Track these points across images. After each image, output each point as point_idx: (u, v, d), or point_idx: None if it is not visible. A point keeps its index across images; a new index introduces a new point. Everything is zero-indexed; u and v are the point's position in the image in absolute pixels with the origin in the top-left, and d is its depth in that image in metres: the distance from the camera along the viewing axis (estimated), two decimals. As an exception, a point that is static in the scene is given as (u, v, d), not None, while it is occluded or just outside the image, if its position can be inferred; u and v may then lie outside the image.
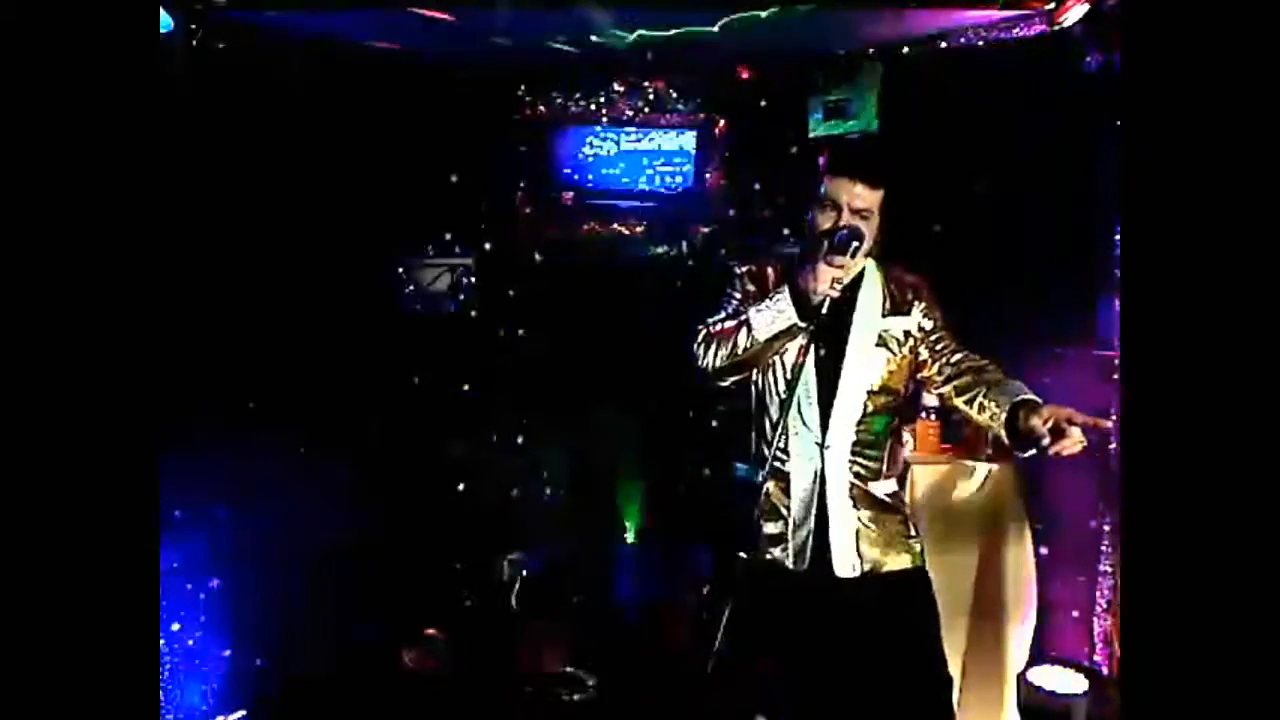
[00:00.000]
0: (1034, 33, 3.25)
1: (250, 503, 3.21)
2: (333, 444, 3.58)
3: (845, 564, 2.20)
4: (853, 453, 2.20)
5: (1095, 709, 2.99)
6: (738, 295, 2.28)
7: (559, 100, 4.40)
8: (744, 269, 2.33)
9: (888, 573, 2.21)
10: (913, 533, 2.28)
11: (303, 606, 3.32)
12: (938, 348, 2.22)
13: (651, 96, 4.43)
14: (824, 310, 2.04)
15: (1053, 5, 3.08)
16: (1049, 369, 3.23)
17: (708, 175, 4.52)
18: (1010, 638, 2.99)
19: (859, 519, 2.20)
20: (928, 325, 2.23)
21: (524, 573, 3.98)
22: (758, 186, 4.27)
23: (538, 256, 4.43)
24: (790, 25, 3.42)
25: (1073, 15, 3.04)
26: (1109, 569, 3.07)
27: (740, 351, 2.11)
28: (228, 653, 3.10)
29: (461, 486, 4.15)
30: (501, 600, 3.84)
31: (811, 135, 4.21)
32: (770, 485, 2.24)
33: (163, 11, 2.85)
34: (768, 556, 2.24)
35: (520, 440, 4.33)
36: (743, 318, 2.12)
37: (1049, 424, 1.90)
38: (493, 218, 4.37)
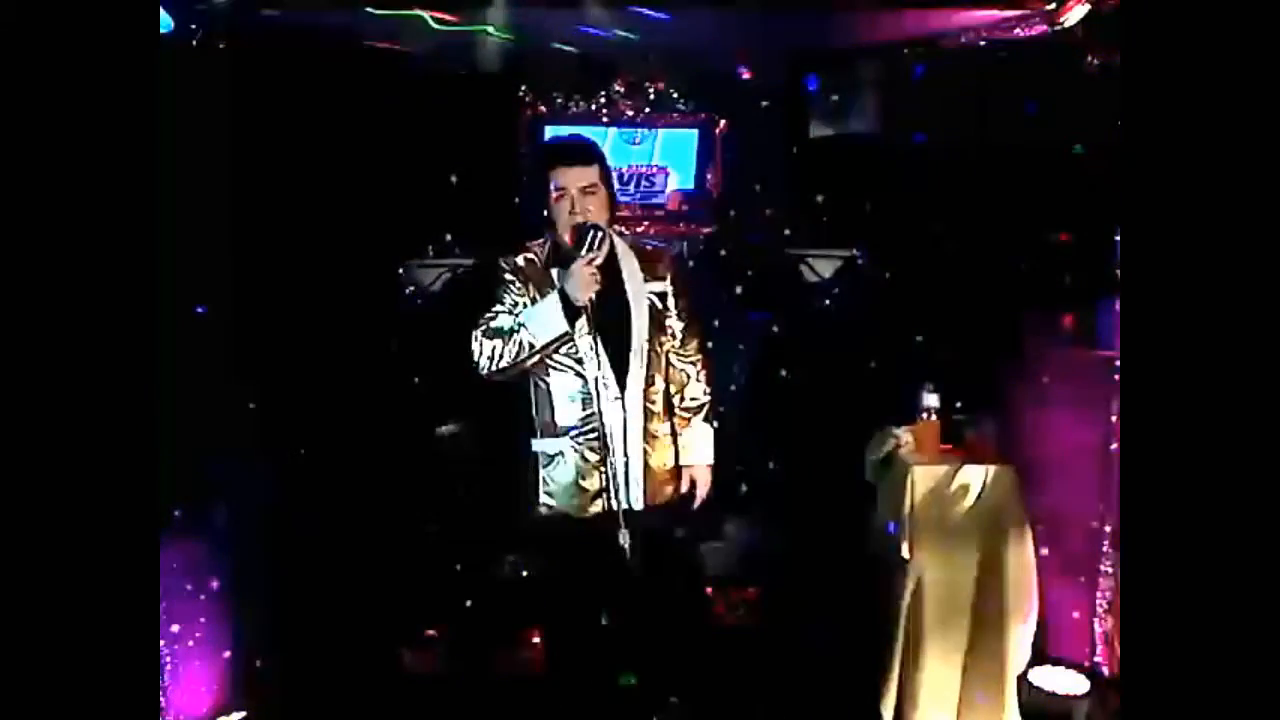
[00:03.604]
0: (1034, 33, 3.25)
1: (251, 502, 3.21)
2: (333, 443, 3.58)
3: (638, 498, 2.48)
4: (645, 400, 2.48)
5: (1096, 709, 2.99)
6: (510, 292, 2.44)
7: (559, 100, 4.40)
8: (509, 263, 2.48)
9: (666, 501, 2.56)
10: (680, 466, 2.62)
11: (303, 606, 3.32)
12: (675, 329, 2.59)
13: (652, 96, 4.44)
14: (591, 304, 2.30)
15: (1053, 5, 3.08)
16: (1049, 369, 3.24)
17: (708, 175, 4.52)
18: (1011, 638, 2.99)
19: (649, 457, 2.50)
20: (671, 303, 2.57)
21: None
22: (758, 187, 4.27)
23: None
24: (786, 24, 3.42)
25: (1073, 15, 3.04)
26: (1109, 569, 3.07)
27: (520, 357, 2.35)
28: (228, 653, 3.10)
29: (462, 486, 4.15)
30: (502, 600, 3.84)
31: (812, 135, 4.21)
32: (580, 448, 2.44)
33: (163, 11, 2.84)
34: (590, 512, 2.44)
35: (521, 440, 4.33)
36: (518, 322, 2.36)
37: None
38: (492, 218, 4.37)
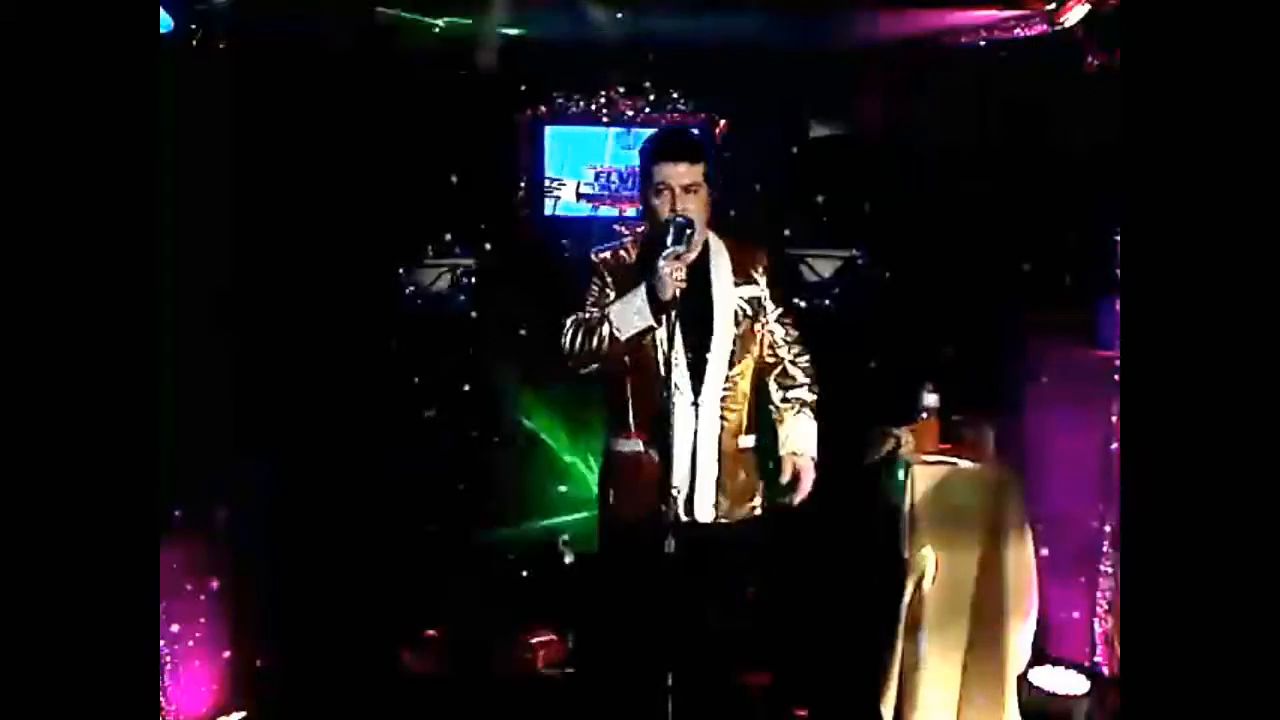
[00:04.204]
0: (1034, 33, 3.25)
1: (251, 502, 3.21)
2: (333, 443, 3.58)
3: (706, 509, 2.40)
4: (721, 409, 2.40)
5: (1096, 709, 2.99)
6: (598, 286, 2.42)
7: (559, 100, 4.41)
8: (601, 257, 2.46)
9: (740, 519, 2.45)
10: (759, 483, 2.51)
11: (303, 606, 3.33)
12: (776, 336, 2.51)
13: (652, 96, 4.44)
14: (678, 300, 2.21)
15: (1053, 5, 3.08)
16: (1049, 369, 3.24)
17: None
18: (1011, 638, 2.99)
19: (721, 468, 2.40)
20: (769, 305, 2.49)
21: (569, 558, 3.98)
22: (758, 187, 4.27)
23: (536, 257, 4.43)
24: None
25: (1073, 15, 3.04)
26: (1109, 569, 3.07)
27: (604, 348, 2.30)
28: (228, 653, 3.10)
29: (462, 486, 4.15)
30: (501, 600, 3.85)
31: (812, 135, 4.20)
32: (649, 448, 2.37)
33: (163, 11, 2.85)
34: (650, 514, 2.32)
35: (521, 441, 4.34)
36: (604, 315, 2.31)
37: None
38: (492, 218, 4.38)
